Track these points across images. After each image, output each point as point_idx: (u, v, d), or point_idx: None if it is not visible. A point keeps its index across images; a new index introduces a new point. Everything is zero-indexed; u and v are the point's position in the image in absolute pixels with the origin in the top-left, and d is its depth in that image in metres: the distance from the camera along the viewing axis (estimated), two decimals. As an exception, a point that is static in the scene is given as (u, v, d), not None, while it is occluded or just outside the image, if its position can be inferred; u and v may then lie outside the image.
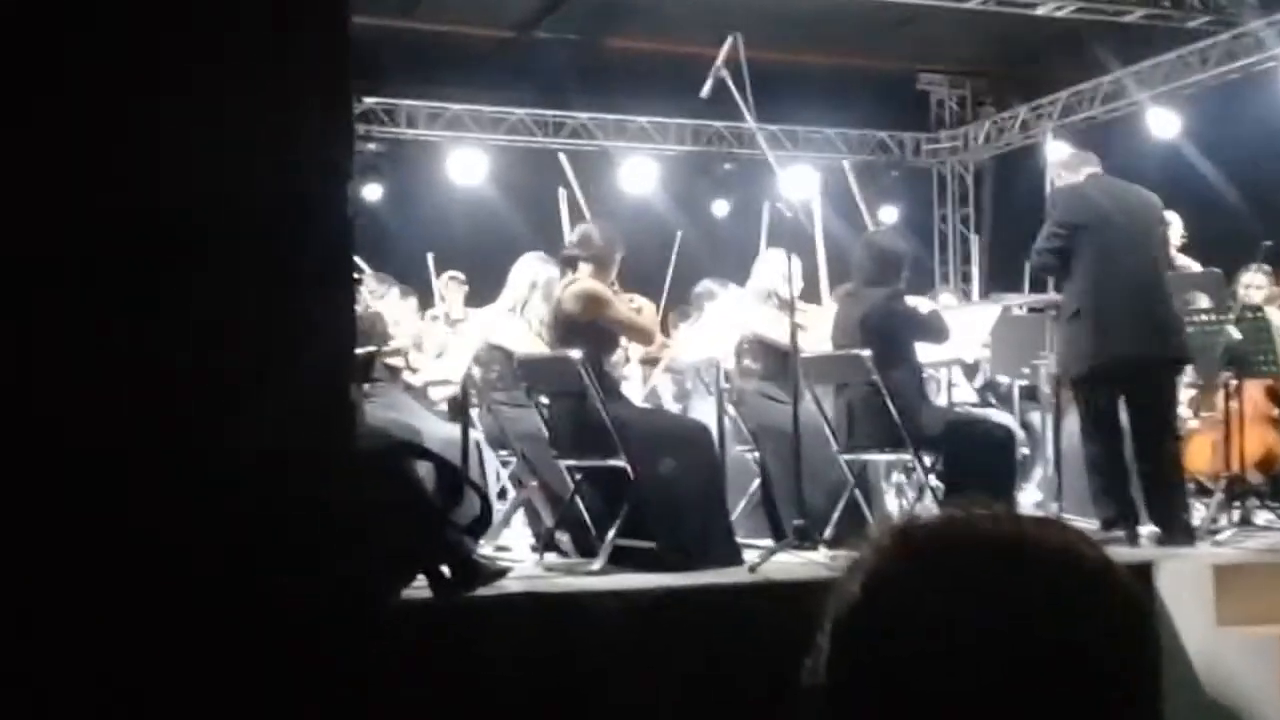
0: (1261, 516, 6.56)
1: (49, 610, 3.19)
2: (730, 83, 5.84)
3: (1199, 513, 6.32)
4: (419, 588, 4.19)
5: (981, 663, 0.88)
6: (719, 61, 5.82)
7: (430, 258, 8.32)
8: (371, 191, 11.13)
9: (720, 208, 12.32)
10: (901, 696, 0.90)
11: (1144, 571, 5.07)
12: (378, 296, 6.87)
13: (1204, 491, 7.02)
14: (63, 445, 3.25)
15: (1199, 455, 7.05)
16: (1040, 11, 10.04)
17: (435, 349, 6.91)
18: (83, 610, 3.20)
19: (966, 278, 12.66)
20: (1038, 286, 7.60)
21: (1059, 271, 6.20)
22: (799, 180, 8.89)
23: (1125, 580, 0.94)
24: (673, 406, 7.86)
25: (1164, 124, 10.76)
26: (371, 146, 11.18)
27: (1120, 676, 0.91)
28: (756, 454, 6.58)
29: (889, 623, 0.92)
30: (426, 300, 8.21)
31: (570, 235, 6.18)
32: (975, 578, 0.91)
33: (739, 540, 5.69)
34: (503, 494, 6.81)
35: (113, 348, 3.41)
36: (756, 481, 6.57)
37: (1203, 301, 7.18)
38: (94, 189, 3.39)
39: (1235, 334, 6.38)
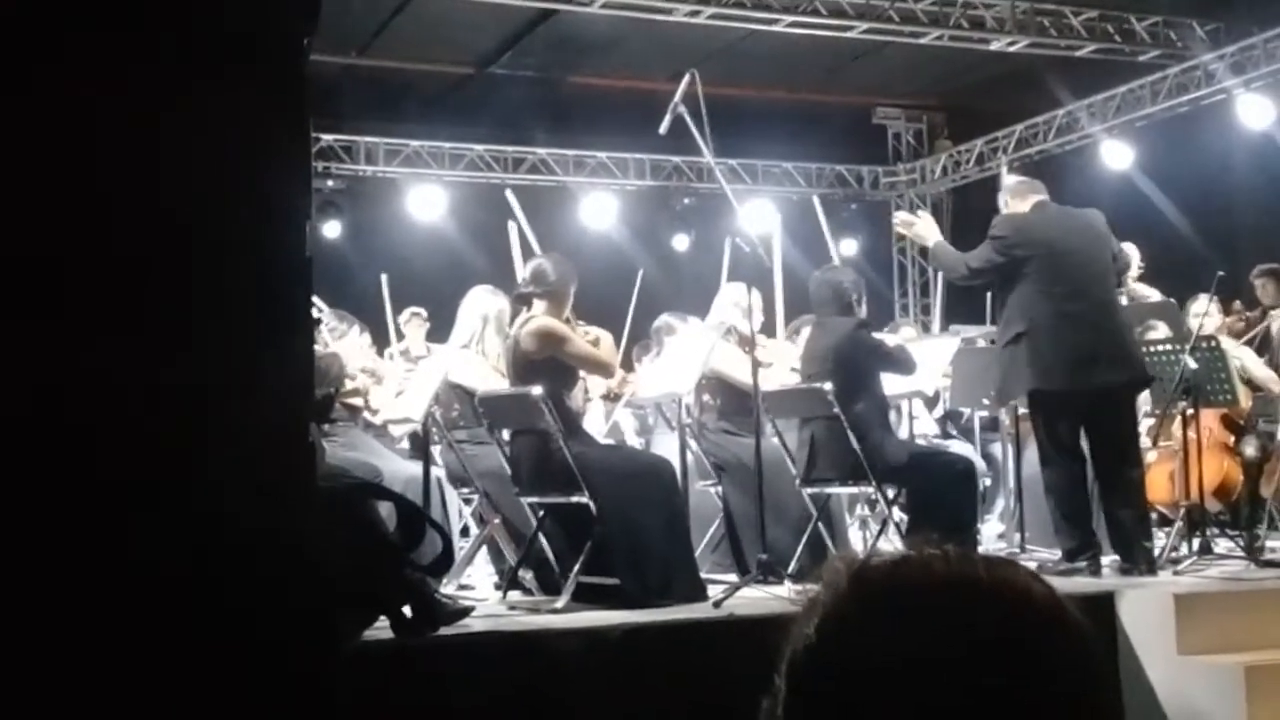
0: (1221, 544, 6.60)
1: None
2: (688, 118, 5.86)
3: (1159, 542, 6.36)
4: (380, 628, 4.15)
5: (935, 704, 0.88)
6: (676, 98, 5.85)
7: (384, 279, 8.27)
8: (330, 228, 11.10)
9: (680, 242, 12.37)
10: None
11: (1106, 601, 5.10)
12: (338, 335, 6.83)
13: (1164, 521, 7.07)
14: (11, 478, 3.20)
15: (1158, 484, 7.10)
16: (994, 46, 10.17)
17: (395, 387, 6.88)
18: (31, 642, 3.15)
19: (926, 310, 12.76)
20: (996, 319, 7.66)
21: (995, 295, 6.26)
22: (758, 215, 8.95)
23: (1076, 619, 0.94)
24: (635, 441, 7.86)
25: (1117, 156, 10.90)
26: (330, 183, 11.16)
27: (1073, 715, 0.91)
28: (719, 489, 6.58)
29: (843, 664, 0.92)
30: (382, 327, 8.17)
31: (523, 272, 6.18)
32: (928, 619, 0.91)
33: (703, 576, 5.67)
34: (465, 532, 6.78)
35: (68, 378, 3.37)
36: (720, 517, 6.56)
37: (1160, 331, 7.27)
38: (49, 211, 3.35)
39: (1192, 364, 6.44)
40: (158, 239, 3.62)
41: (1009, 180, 6.75)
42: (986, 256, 6.06)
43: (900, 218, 6.83)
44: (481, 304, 6.42)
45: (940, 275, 11.32)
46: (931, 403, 8.21)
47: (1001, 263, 6.00)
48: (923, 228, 6.51)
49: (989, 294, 7.00)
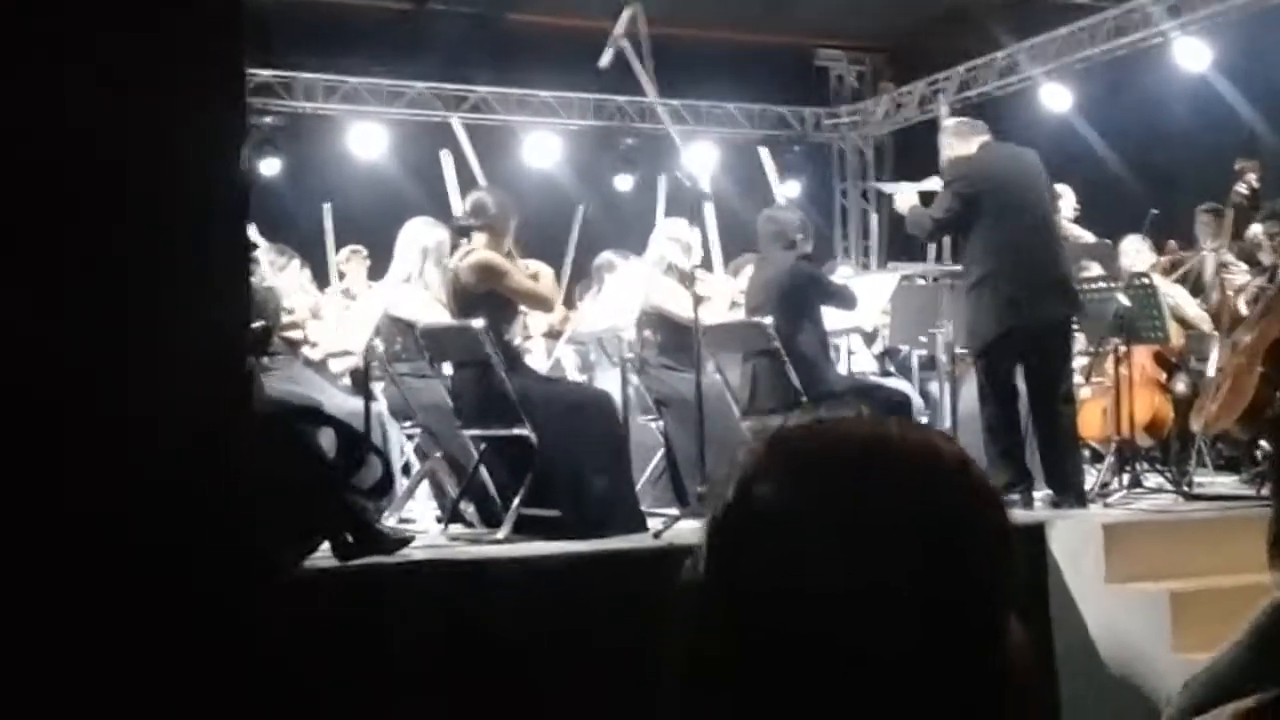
0: (1152, 479, 6.73)
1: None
2: (630, 54, 5.83)
3: (1091, 476, 6.48)
4: (323, 556, 4.17)
5: (845, 557, 0.91)
6: (618, 31, 5.82)
7: (328, 208, 8.17)
8: (269, 165, 10.96)
9: (623, 182, 12.33)
10: (769, 592, 0.93)
11: (1037, 532, 5.21)
12: (277, 269, 6.78)
13: (1096, 456, 7.20)
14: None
15: (1090, 420, 7.22)
16: (936, -13, 10.17)
17: (334, 322, 6.84)
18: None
19: (867, 251, 12.82)
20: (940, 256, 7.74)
21: (955, 240, 6.31)
22: (700, 154, 8.95)
23: (981, 476, 0.98)
24: (577, 378, 7.87)
25: (1056, 98, 10.97)
26: (268, 120, 11.00)
27: (976, 566, 0.94)
28: (660, 424, 6.63)
29: (759, 521, 0.95)
30: (322, 262, 8.09)
31: (463, 204, 6.15)
32: (840, 475, 0.94)
33: (644, 509, 5.72)
34: (406, 469, 6.78)
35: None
36: (661, 451, 6.61)
37: (1094, 270, 7.37)
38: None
39: (1125, 301, 6.54)
40: (91, 175, 3.59)
41: (949, 122, 6.78)
42: (947, 205, 6.11)
43: (886, 188, 6.84)
44: (420, 236, 6.38)
45: (880, 216, 11.44)
46: (870, 339, 8.28)
47: (960, 208, 6.05)
48: (901, 200, 6.54)
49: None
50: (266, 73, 10.96)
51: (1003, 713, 0.94)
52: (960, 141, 6.27)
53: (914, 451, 0.96)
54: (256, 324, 5.21)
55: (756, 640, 0.93)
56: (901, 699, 0.91)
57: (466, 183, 6.80)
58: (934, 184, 6.45)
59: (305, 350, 6.85)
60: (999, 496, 0.99)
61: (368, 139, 11.38)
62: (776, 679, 0.93)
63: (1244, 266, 7.55)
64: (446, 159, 6.94)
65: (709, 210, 7.13)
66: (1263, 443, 6.53)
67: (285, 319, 6.54)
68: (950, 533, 0.94)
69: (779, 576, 0.93)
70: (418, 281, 6.31)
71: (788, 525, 0.93)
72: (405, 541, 4.47)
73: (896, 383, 7.42)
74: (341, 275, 8.38)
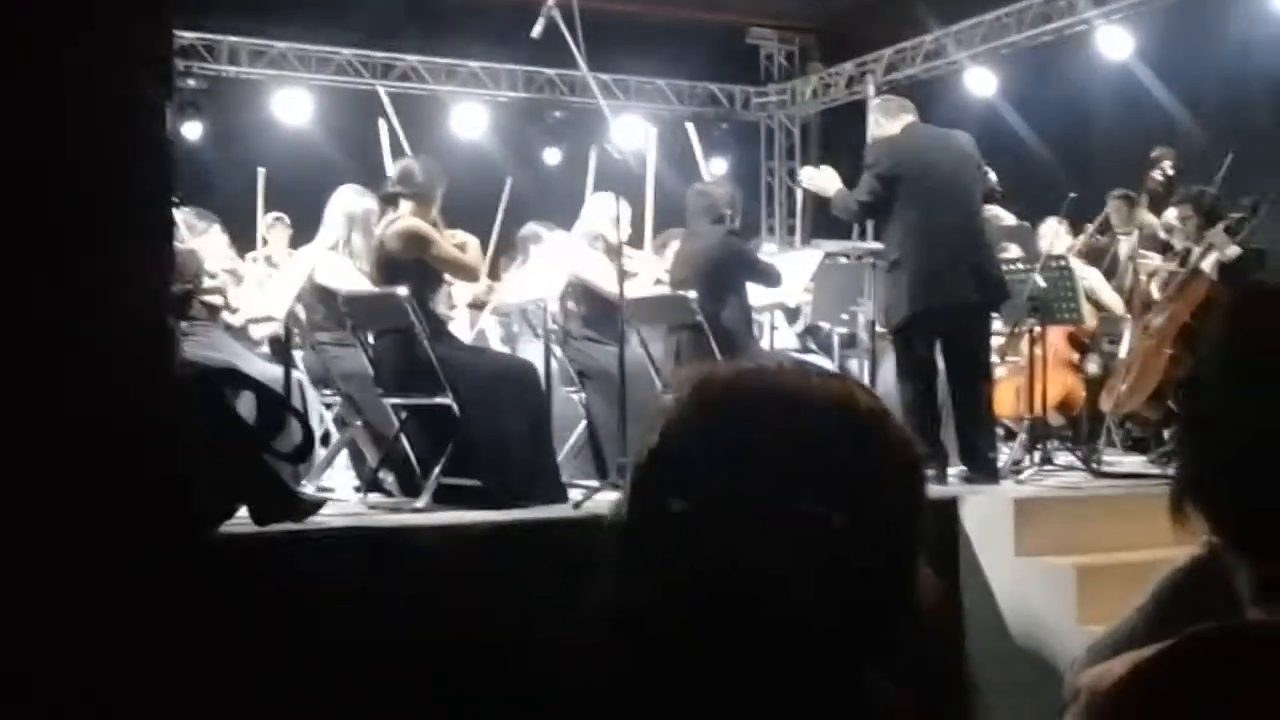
0: (1062, 458, 6.87)
1: None
2: (562, 24, 5.83)
3: (1004, 454, 6.61)
4: (240, 520, 4.15)
5: (764, 497, 0.95)
6: (551, 0, 5.82)
7: (262, 173, 8.10)
8: (191, 129, 10.81)
9: (552, 155, 12.30)
10: (687, 534, 0.96)
11: (949, 506, 5.31)
12: (198, 233, 6.70)
13: (1009, 434, 7.33)
14: None
15: (1004, 399, 7.34)
16: (866, -31, 10.24)
17: (255, 287, 6.77)
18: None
19: (791, 230, 12.92)
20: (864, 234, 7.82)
21: (877, 221, 6.38)
22: (632, 130, 8.96)
23: (897, 426, 1.02)
24: (500, 349, 7.86)
25: (981, 83, 11.11)
26: (191, 83, 10.84)
27: (889, 506, 0.98)
28: (582, 395, 6.65)
29: (680, 464, 0.98)
30: (250, 227, 8.02)
31: (391, 171, 6.13)
32: (760, 421, 0.98)
33: (565, 481, 5.74)
34: (326, 438, 6.74)
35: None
36: (583, 423, 6.63)
37: (1013, 252, 7.49)
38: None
39: (1041, 282, 6.66)
40: (16, 134, 3.54)
41: (876, 101, 6.84)
42: (868, 187, 6.17)
43: (805, 173, 6.87)
44: (348, 204, 6.34)
45: (804, 195, 11.51)
46: (793, 316, 8.36)
47: (881, 189, 6.11)
48: (824, 179, 6.55)
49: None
50: (191, 35, 10.80)
51: (914, 644, 0.99)
52: (887, 119, 6.33)
53: (833, 398, 1.00)
54: (176, 287, 5.16)
55: (678, 578, 0.96)
56: (816, 631, 0.95)
57: (397, 153, 6.76)
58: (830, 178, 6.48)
59: (225, 316, 6.78)
60: (913, 446, 1.03)
61: (293, 105, 11.26)
62: (696, 616, 0.96)
63: (1155, 256, 7.71)
64: (384, 128, 6.90)
65: (649, 185, 7.15)
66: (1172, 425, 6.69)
67: (206, 283, 6.47)
68: (865, 474, 0.97)
69: (700, 516, 0.96)
70: (343, 250, 6.27)
71: (708, 466, 0.97)
72: (320, 504, 4.46)
73: (818, 359, 7.50)
74: (264, 242, 8.31)
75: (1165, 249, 7.71)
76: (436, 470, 5.35)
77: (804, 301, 7.97)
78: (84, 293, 3.55)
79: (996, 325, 7.12)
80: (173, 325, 3.71)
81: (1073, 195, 7.05)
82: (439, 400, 5.40)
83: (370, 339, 5.78)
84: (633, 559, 1.00)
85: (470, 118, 11.93)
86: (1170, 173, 7.69)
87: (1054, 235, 7.22)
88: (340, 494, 6.04)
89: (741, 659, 0.96)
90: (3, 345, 3.41)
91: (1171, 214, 7.60)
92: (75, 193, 3.59)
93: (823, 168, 6.72)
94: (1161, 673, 1.11)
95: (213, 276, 6.56)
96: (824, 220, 10.63)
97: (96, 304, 3.59)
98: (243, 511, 4.11)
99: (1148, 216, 7.94)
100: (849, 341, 8.39)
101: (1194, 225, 7.21)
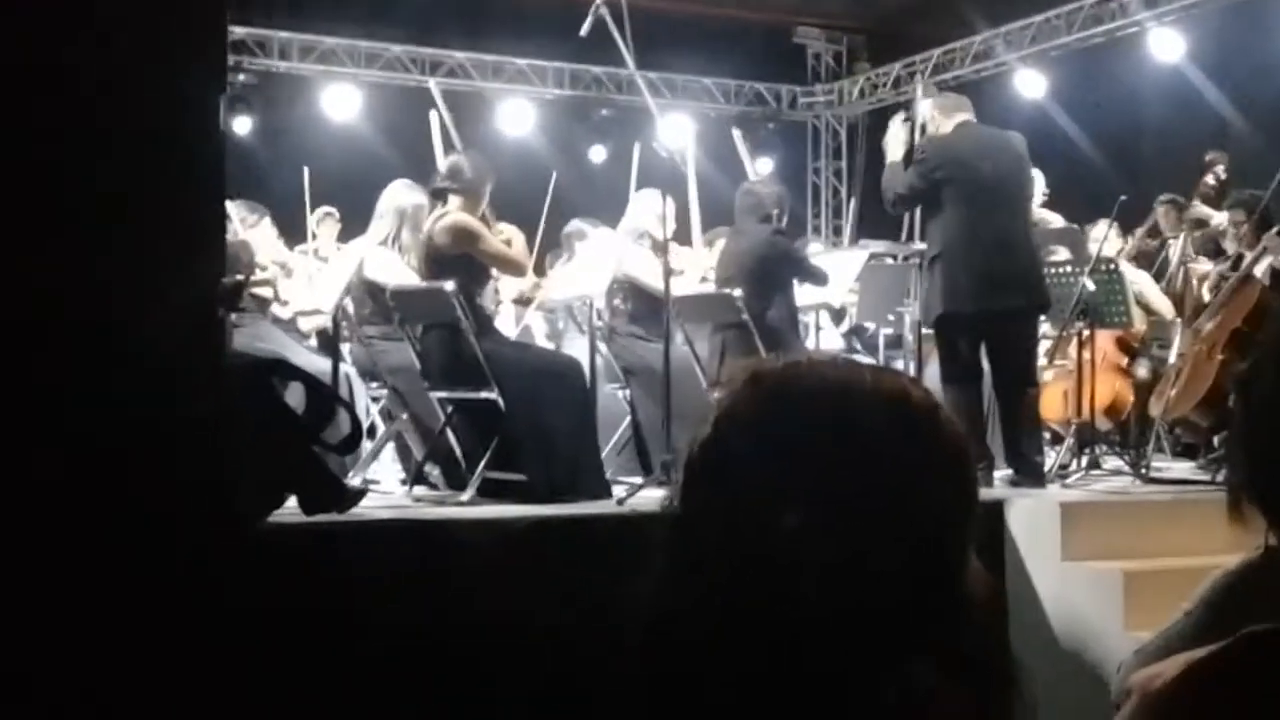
0: (1110, 462, 6.81)
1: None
2: (610, 23, 5.84)
3: (1050, 458, 6.56)
4: (289, 510, 4.18)
5: (816, 490, 0.95)
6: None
7: (306, 172, 8.16)
8: (240, 124, 10.90)
9: (597, 153, 12.32)
10: (742, 523, 0.96)
11: (996, 509, 5.27)
12: (249, 225, 6.76)
13: (1056, 438, 7.28)
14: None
15: (1051, 402, 7.29)
16: (915, -31, 10.20)
17: (305, 280, 6.83)
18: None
19: (838, 231, 12.88)
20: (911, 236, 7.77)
21: (922, 217, 6.34)
22: (676, 128, 8.96)
23: (949, 420, 1.02)
24: (546, 345, 7.89)
25: (1030, 84, 11.04)
26: (242, 78, 10.93)
27: (940, 502, 0.99)
28: (627, 392, 6.66)
29: (734, 455, 0.99)
30: (298, 224, 8.09)
31: (440, 166, 6.16)
32: (813, 413, 0.98)
33: (609, 478, 5.75)
34: (372, 431, 6.78)
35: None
36: (627, 420, 6.64)
37: (1062, 255, 7.43)
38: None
39: (1090, 286, 6.60)
40: (73, 131, 3.60)
41: (928, 100, 6.75)
42: (911, 182, 6.13)
43: (895, 121, 6.59)
44: (400, 198, 6.37)
45: (854, 197, 11.48)
46: (838, 316, 8.34)
47: (924, 188, 6.07)
48: (893, 139, 6.37)
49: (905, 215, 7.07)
50: (241, 30, 10.89)
51: (964, 636, 0.99)
52: (942, 115, 6.26)
53: (886, 393, 1.00)
54: (229, 278, 5.21)
55: (729, 569, 0.97)
56: (866, 622, 0.95)
57: (448, 146, 6.79)
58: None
59: (275, 308, 6.84)
60: (964, 440, 1.03)
61: (342, 100, 11.34)
62: (741, 609, 0.96)
63: (1206, 261, 7.63)
64: (434, 120, 6.92)
65: (692, 182, 7.15)
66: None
67: (257, 275, 6.53)
68: (917, 467, 0.98)
69: (751, 509, 0.96)
70: (393, 244, 6.31)
71: (761, 459, 0.97)
72: (362, 493, 4.50)
73: (863, 360, 7.47)
74: (313, 236, 8.37)
75: (1217, 253, 7.63)
76: (481, 464, 5.37)
77: (849, 302, 7.95)
78: (136, 285, 3.59)
79: (1045, 328, 7.07)
80: (223, 317, 3.75)
81: (1123, 198, 6.98)
82: (485, 395, 5.43)
83: (417, 333, 5.82)
84: (684, 550, 1.01)
85: (517, 114, 11.96)
86: (1223, 177, 7.61)
87: (1104, 238, 7.15)
88: (386, 486, 6.08)
89: (786, 649, 0.96)
90: (55, 334, 3.46)
91: (1223, 217, 7.52)
92: (129, 185, 3.64)
93: (902, 131, 6.47)
94: (1216, 673, 1.10)
95: (263, 269, 6.61)
96: (870, 220, 10.61)
97: (148, 296, 3.63)
98: (291, 501, 4.15)
99: (1204, 209, 7.83)
100: (894, 342, 8.35)
101: (1247, 230, 7.13)
